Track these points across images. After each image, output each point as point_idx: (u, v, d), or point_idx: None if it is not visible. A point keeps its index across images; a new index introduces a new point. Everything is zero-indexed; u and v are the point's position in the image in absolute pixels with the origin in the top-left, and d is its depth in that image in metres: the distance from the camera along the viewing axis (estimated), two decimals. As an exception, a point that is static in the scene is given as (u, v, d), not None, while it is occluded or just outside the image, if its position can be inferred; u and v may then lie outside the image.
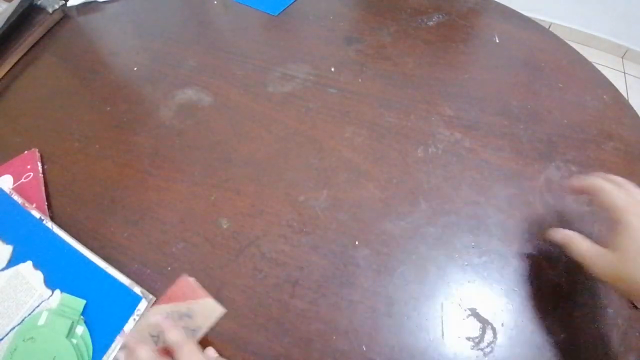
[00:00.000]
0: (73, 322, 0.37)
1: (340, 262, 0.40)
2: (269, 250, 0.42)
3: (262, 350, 0.36)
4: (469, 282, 0.39)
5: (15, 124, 0.57)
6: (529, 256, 0.40)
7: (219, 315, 0.34)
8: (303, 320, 0.37)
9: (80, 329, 0.37)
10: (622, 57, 1.83)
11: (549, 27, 1.88)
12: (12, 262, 0.41)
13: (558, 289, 0.38)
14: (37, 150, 0.52)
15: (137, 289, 0.39)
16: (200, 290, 0.35)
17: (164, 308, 0.34)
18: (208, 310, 0.35)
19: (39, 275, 0.40)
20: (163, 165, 0.50)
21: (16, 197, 0.45)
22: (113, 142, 0.53)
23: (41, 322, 0.37)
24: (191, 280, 0.35)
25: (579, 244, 0.33)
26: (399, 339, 0.36)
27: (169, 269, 0.41)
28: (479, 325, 0.36)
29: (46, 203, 0.46)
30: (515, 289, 0.38)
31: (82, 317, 0.37)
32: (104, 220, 0.45)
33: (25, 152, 0.52)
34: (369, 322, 0.37)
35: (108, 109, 0.57)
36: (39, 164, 0.50)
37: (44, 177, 0.49)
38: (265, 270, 0.40)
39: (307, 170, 0.48)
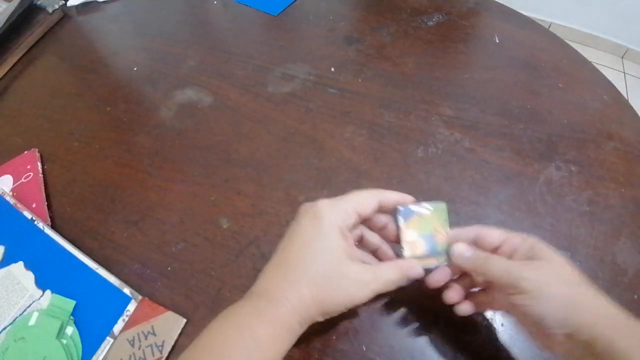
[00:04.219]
0: (63, 322, 0.37)
1: (340, 262, 0.40)
2: (269, 251, 0.42)
3: (262, 350, 0.36)
4: (469, 282, 0.38)
5: (15, 124, 0.57)
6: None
7: (181, 326, 0.36)
8: (303, 320, 0.37)
9: (70, 330, 0.37)
10: (622, 57, 1.83)
11: (549, 27, 1.88)
12: (4, 262, 0.42)
13: (558, 289, 0.37)
14: (37, 150, 0.52)
15: (127, 290, 0.39)
16: (160, 307, 0.37)
17: (130, 332, 0.36)
18: (170, 324, 0.36)
19: (30, 276, 0.40)
20: (163, 165, 0.50)
21: (8, 198, 0.45)
22: (113, 142, 0.53)
23: (32, 322, 0.37)
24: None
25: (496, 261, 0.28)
26: (399, 339, 0.36)
27: (169, 269, 0.41)
28: (479, 325, 0.36)
29: (46, 203, 0.46)
30: (515, 289, 0.38)
31: (72, 317, 0.37)
32: (104, 220, 0.45)
33: (25, 152, 0.52)
34: (369, 322, 0.37)
35: (108, 109, 0.57)
36: (39, 164, 0.50)
37: (44, 177, 0.49)
38: (265, 270, 0.40)
39: (307, 170, 0.48)
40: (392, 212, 0.33)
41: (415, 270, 0.30)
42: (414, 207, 0.32)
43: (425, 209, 0.32)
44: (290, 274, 0.27)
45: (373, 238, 0.34)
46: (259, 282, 0.28)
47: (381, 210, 0.32)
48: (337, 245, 0.28)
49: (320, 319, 0.28)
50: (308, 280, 0.27)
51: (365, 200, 0.30)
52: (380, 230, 0.34)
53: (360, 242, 0.34)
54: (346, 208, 0.29)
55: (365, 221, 0.33)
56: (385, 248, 0.34)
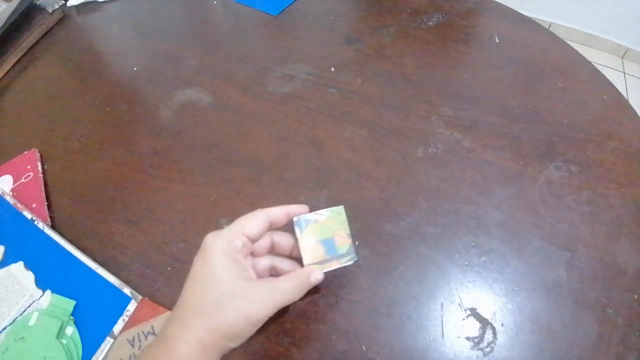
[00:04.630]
0: (63, 322, 0.37)
1: (340, 262, 0.40)
2: (269, 250, 0.42)
3: (262, 350, 0.36)
4: (469, 282, 0.39)
5: (15, 124, 0.57)
6: (529, 256, 0.40)
7: None
8: (303, 320, 0.37)
9: (70, 330, 0.37)
10: (622, 57, 1.83)
11: (549, 27, 1.88)
12: (4, 262, 0.42)
13: (558, 288, 0.38)
14: (37, 150, 0.52)
15: (127, 290, 0.39)
16: (160, 307, 0.37)
17: (129, 332, 0.36)
18: None
19: (30, 276, 0.40)
20: (163, 165, 0.50)
21: (8, 198, 0.45)
22: (113, 142, 0.53)
23: (32, 322, 0.37)
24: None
25: None
26: (399, 339, 0.36)
27: (169, 269, 0.41)
28: (478, 325, 0.36)
29: (46, 203, 0.46)
30: (515, 289, 0.38)
31: (72, 317, 0.37)
32: (104, 220, 0.45)
33: (25, 152, 0.52)
34: (369, 322, 0.37)
35: (108, 109, 0.57)
36: (39, 164, 0.50)
37: (44, 177, 0.49)
38: (265, 270, 0.40)
39: (307, 170, 0.48)
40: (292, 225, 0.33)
41: (314, 275, 0.31)
42: (309, 216, 0.33)
43: (321, 215, 0.33)
44: (183, 311, 0.28)
45: (283, 264, 0.34)
46: (163, 325, 0.29)
47: (274, 226, 0.32)
48: (225, 269, 0.28)
49: (231, 344, 0.27)
50: (199, 312, 0.27)
51: (249, 220, 0.31)
52: (291, 255, 0.34)
53: (275, 272, 0.34)
54: (229, 233, 0.30)
55: (274, 248, 0.34)
56: None
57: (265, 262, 0.33)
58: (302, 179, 0.47)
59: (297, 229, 0.32)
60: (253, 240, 0.31)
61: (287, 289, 0.29)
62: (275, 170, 0.48)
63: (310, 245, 0.32)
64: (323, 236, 0.33)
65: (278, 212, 0.32)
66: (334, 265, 0.33)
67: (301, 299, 0.38)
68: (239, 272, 0.28)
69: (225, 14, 0.72)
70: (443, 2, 0.68)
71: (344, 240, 0.33)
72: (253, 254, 0.32)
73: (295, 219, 0.32)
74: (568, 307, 0.37)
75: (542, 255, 0.40)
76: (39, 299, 0.39)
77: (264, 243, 0.33)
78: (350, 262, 0.33)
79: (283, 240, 0.34)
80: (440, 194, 0.45)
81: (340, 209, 0.34)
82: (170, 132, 0.53)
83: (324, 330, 0.36)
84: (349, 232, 0.34)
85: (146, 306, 0.38)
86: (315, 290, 0.39)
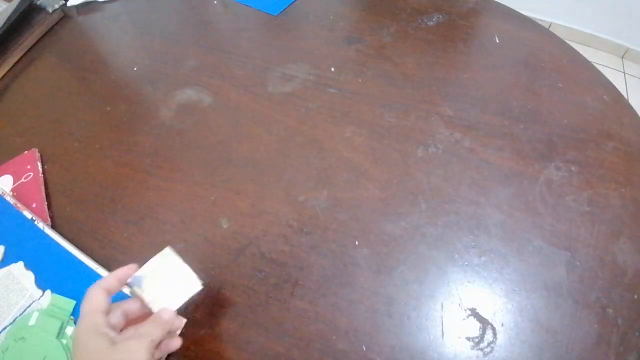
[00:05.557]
0: (63, 322, 0.37)
1: (340, 262, 0.40)
2: (268, 251, 0.42)
3: (262, 350, 0.36)
4: (469, 282, 0.39)
5: (15, 124, 0.57)
6: (529, 256, 0.40)
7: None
8: (303, 320, 0.37)
9: (70, 330, 0.37)
10: (622, 57, 1.83)
11: (549, 27, 1.88)
12: (4, 262, 0.42)
13: (558, 288, 0.38)
14: (37, 150, 0.52)
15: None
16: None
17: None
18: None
19: (30, 276, 0.40)
20: (163, 165, 0.50)
21: (8, 198, 0.45)
22: (113, 142, 0.53)
23: (32, 322, 0.37)
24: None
25: None
26: (399, 339, 0.36)
27: (169, 269, 0.41)
28: (478, 325, 0.36)
29: (46, 203, 0.46)
30: (515, 289, 0.38)
31: (72, 317, 0.37)
32: (104, 220, 0.45)
33: (25, 152, 0.52)
34: (369, 322, 0.37)
35: (108, 109, 0.57)
36: (39, 164, 0.50)
37: (44, 177, 0.49)
38: (265, 270, 0.40)
39: (307, 170, 0.48)
40: None
41: (164, 312, 0.32)
42: (139, 272, 0.33)
43: (151, 266, 0.33)
44: None
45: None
46: None
47: (114, 291, 0.32)
48: (93, 341, 0.29)
49: None
50: None
51: (92, 297, 0.31)
52: (145, 313, 0.34)
53: None
54: (83, 317, 0.30)
55: (128, 317, 0.33)
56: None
57: (130, 332, 0.33)
58: (302, 179, 0.47)
59: (135, 289, 0.32)
60: (107, 312, 0.31)
61: (150, 332, 0.30)
62: (275, 170, 0.48)
63: (153, 296, 0.33)
64: (161, 280, 0.33)
65: (111, 282, 0.32)
66: (183, 299, 0.33)
67: (301, 299, 0.38)
68: (106, 338, 0.29)
69: (225, 14, 0.72)
70: (443, 2, 0.68)
71: (181, 276, 0.34)
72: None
73: (129, 280, 0.32)
74: (568, 307, 0.37)
75: (542, 255, 0.40)
76: (39, 299, 0.39)
77: (117, 318, 0.32)
78: (199, 289, 0.34)
79: (131, 306, 0.34)
80: (440, 194, 0.45)
81: (167, 250, 0.34)
82: (170, 132, 0.53)
83: (324, 330, 0.36)
84: (184, 263, 0.34)
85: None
86: (315, 290, 0.39)
